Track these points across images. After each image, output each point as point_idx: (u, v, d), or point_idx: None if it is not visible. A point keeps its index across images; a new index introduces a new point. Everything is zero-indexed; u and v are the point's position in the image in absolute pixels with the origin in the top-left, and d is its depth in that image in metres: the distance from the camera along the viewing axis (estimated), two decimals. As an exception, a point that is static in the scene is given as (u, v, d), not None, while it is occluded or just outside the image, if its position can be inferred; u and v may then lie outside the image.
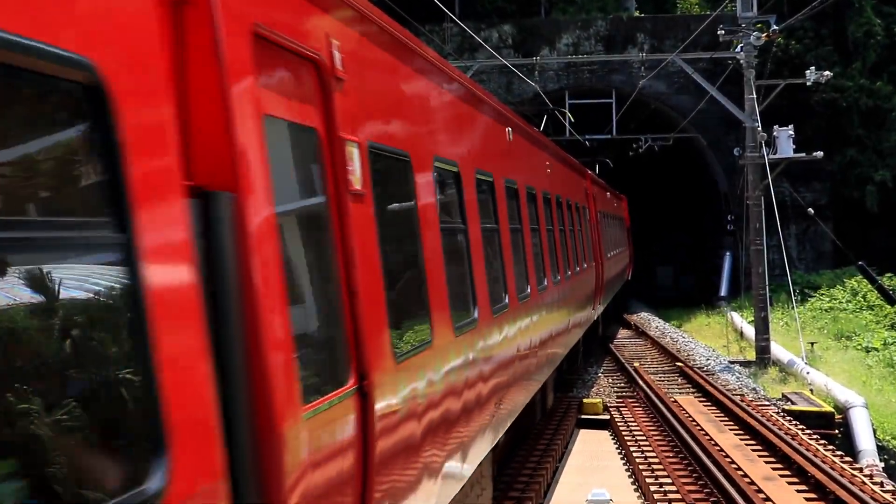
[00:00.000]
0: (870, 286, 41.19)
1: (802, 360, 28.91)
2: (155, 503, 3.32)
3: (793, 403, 23.84)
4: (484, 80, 46.21)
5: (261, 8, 4.81)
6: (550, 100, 38.11)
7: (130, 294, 3.43)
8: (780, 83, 34.54)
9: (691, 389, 26.76)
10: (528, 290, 13.53)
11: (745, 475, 16.83)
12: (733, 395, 24.67)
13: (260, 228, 4.44)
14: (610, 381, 28.60)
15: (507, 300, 11.58)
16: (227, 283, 4.13)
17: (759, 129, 31.31)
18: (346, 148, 5.82)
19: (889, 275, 41.81)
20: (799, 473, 17.01)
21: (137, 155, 3.49)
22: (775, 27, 31.22)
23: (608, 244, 33.81)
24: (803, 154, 33.08)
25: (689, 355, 33.29)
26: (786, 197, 43.16)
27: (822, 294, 43.17)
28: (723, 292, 48.93)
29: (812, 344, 31.96)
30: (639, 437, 20.48)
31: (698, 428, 20.67)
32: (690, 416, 22.02)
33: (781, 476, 16.99)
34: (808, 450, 18.23)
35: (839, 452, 18.88)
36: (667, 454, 18.97)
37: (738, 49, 32.24)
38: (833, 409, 23.07)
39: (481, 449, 10.04)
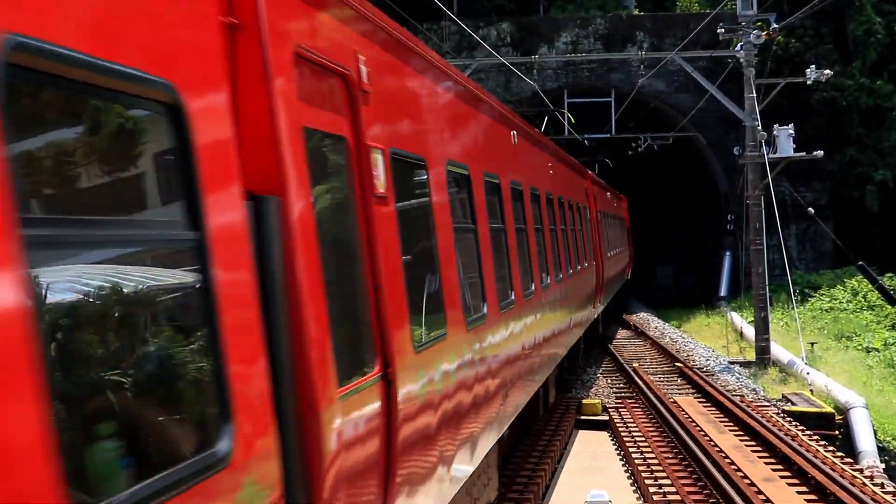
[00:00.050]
0: (870, 286, 41.22)
1: (802, 360, 28.91)
2: (224, 462, 3.97)
3: (793, 404, 23.85)
4: (482, 78, 46.21)
5: (301, 30, 5.38)
6: (549, 98, 38.12)
7: (204, 284, 4.01)
8: (780, 82, 34.54)
9: (691, 390, 26.77)
10: (533, 288, 14.10)
11: (745, 476, 16.84)
12: (733, 395, 24.67)
13: (302, 229, 5.01)
14: (609, 381, 28.61)
15: (513, 297, 12.12)
16: (275, 276, 4.69)
17: (759, 128, 31.32)
18: (372, 154, 6.43)
19: (889, 275, 41.83)
20: (799, 475, 17.02)
21: (207, 163, 4.08)
22: (775, 25, 31.24)
23: (608, 244, 34.11)
24: (803, 153, 33.08)
25: (688, 356, 33.30)
26: (786, 196, 43.17)
27: (823, 294, 43.18)
28: (723, 292, 48.94)
29: (812, 344, 31.97)
30: (638, 438, 20.49)
31: (698, 429, 20.68)
32: (690, 417, 22.03)
33: (781, 477, 17.00)
34: (808, 451, 18.24)
35: (839, 453, 18.89)
36: (666, 455, 18.98)
37: (738, 47, 32.25)
38: (833, 410, 23.07)
39: (489, 440, 10.52)
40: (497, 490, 13.19)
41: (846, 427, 22.38)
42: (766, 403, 24.35)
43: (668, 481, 17.01)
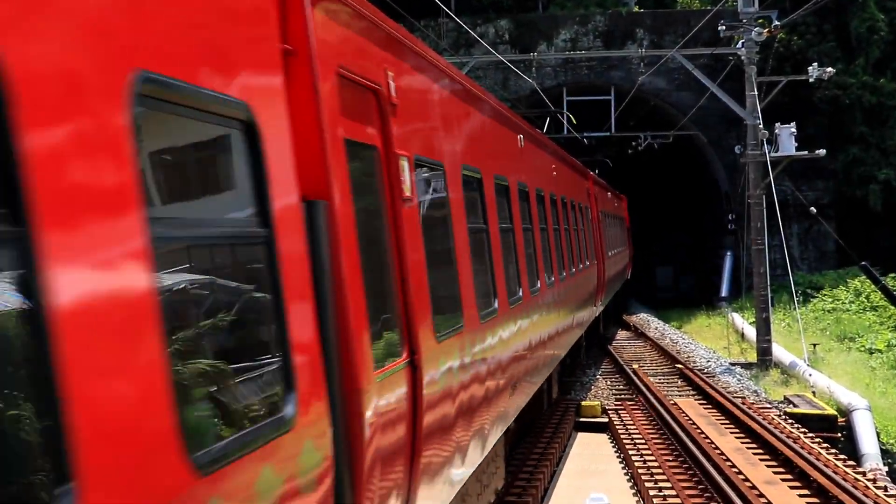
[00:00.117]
0: (873, 287, 41.20)
1: (804, 361, 28.92)
2: (289, 426, 4.74)
3: (795, 406, 23.86)
4: (480, 76, 46.21)
5: (342, 52, 6.18)
6: (548, 97, 38.14)
7: (272, 274, 4.78)
8: (782, 80, 34.56)
9: (691, 392, 26.77)
10: (538, 285, 14.87)
11: (746, 479, 16.84)
12: (734, 397, 24.67)
13: (345, 229, 5.79)
14: (608, 383, 28.61)
15: (520, 293, 12.92)
16: (323, 270, 5.43)
17: (761, 126, 31.31)
18: (399, 161, 7.23)
19: (893, 275, 41.82)
20: (801, 477, 17.02)
21: (274, 172, 4.85)
22: (777, 23, 31.25)
23: (609, 243, 34.48)
24: (805, 152, 33.10)
25: (689, 357, 33.30)
26: (788, 196, 43.15)
27: (825, 295, 43.18)
28: (723, 293, 48.93)
29: (814, 345, 31.98)
30: (638, 441, 20.49)
31: (698, 431, 20.68)
32: (690, 419, 22.03)
33: (783, 480, 17.00)
34: (810, 453, 18.23)
35: (842, 456, 18.89)
36: (666, 458, 18.97)
37: (740, 45, 32.24)
38: (836, 412, 23.08)
39: (498, 429, 11.38)
40: (504, 479, 13.91)
41: (849, 429, 22.38)
42: (768, 405, 24.35)
43: (668, 484, 17.00)
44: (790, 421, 21.88)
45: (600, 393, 26.86)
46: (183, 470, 3.71)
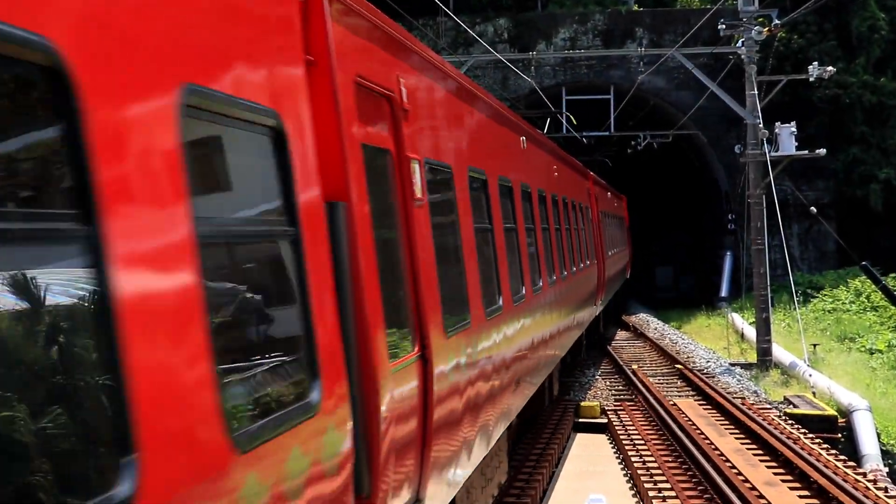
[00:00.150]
0: (874, 287, 41.21)
1: (805, 362, 28.92)
2: (315, 410, 5.13)
3: (795, 407, 23.87)
4: (479, 75, 46.22)
5: (359, 62, 6.61)
6: (547, 96, 38.13)
7: (299, 269, 5.21)
8: (783, 79, 34.56)
9: (691, 392, 26.78)
10: (541, 284, 15.35)
11: (746, 480, 16.85)
12: (734, 398, 24.68)
13: (362, 229, 6.23)
14: (608, 383, 28.61)
15: (523, 291, 13.38)
16: (343, 266, 5.88)
17: (761, 125, 31.32)
18: (411, 164, 7.67)
19: (894, 275, 41.81)
20: (801, 478, 17.03)
21: (300, 176, 5.27)
22: (777, 21, 31.25)
23: (609, 243, 34.80)
24: (806, 151, 33.10)
25: (688, 357, 33.31)
26: (788, 195, 43.18)
27: (825, 295, 43.19)
28: (723, 293, 48.94)
29: (815, 346, 31.98)
30: (637, 442, 20.49)
31: (698, 432, 20.69)
32: (690, 420, 22.04)
33: (783, 481, 17.01)
34: (810, 454, 18.24)
35: (842, 457, 18.89)
36: (666, 459, 18.98)
37: (740, 44, 32.23)
38: (836, 413, 23.09)
39: (503, 423, 11.79)
40: (507, 474, 14.34)
41: (849, 430, 22.39)
42: (768, 406, 24.36)
43: (667, 485, 17.01)
44: (790, 422, 21.89)
45: (599, 394, 26.87)
46: (225, 447, 4.11)
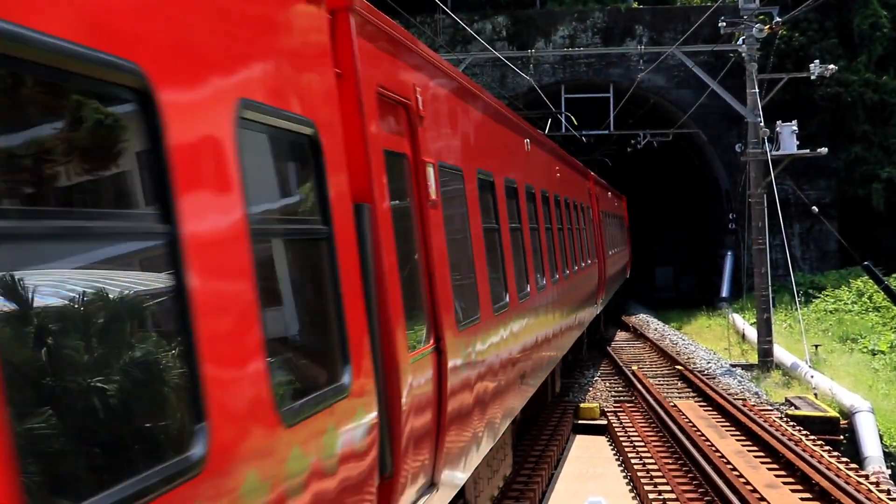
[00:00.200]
0: (876, 287, 41.20)
1: (806, 363, 28.92)
2: (346, 392, 5.68)
3: (796, 408, 23.85)
4: (477, 73, 46.21)
5: (381, 73, 7.27)
6: (546, 94, 38.13)
7: (332, 264, 5.80)
8: (784, 77, 34.55)
9: (691, 393, 26.77)
10: (544, 283, 15.97)
11: (747, 482, 16.83)
12: (735, 399, 24.67)
13: (384, 229, 6.86)
14: (607, 385, 28.61)
15: (528, 289, 14.03)
16: (368, 263, 6.46)
17: (762, 124, 31.31)
18: (426, 168, 8.32)
19: (896, 275, 41.85)
20: (803, 480, 17.01)
21: (333, 180, 5.86)
22: (778, 19, 31.23)
23: (610, 243, 35.21)
24: (807, 150, 33.08)
25: (689, 358, 33.31)
26: (789, 195, 43.18)
27: (827, 295, 43.20)
28: (724, 293, 48.95)
29: (816, 346, 31.98)
30: (637, 443, 20.48)
31: (698, 433, 20.67)
32: (690, 422, 22.03)
33: (784, 483, 16.99)
34: (812, 456, 18.23)
35: (844, 459, 18.89)
36: (666, 461, 18.97)
37: (740, 42, 32.22)
38: (838, 414, 23.08)
39: (508, 416, 12.44)
40: (511, 466, 14.95)
41: (851, 432, 22.38)
42: (769, 407, 24.36)
43: (667, 487, 16.99)
44: (792, 423, 21.87)
45: (599, 395, 26.85)
46: (275, 421, 4.71)
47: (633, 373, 29.03)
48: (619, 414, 23.69)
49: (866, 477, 17.54)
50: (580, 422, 22.84)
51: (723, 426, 21.93)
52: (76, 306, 3.53)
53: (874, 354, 34.56)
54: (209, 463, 4.00)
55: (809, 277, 45.38)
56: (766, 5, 32.35)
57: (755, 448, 19.69)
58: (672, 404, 24.14)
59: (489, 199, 11.76)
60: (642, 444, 20.42)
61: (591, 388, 27.80)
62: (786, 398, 25.62)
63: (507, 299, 12.01)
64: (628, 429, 21.97)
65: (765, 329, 31.25)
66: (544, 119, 36.21)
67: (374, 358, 6.36)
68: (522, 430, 19.39)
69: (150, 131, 3.89)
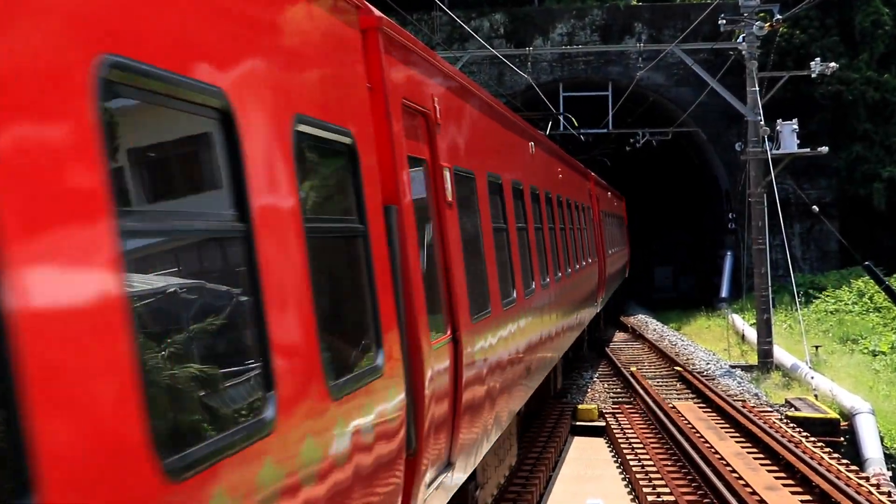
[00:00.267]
0: (877, 287, 41.24)
1: (806, 364, 28.96)
2: (380, 373, 6.46)
3: (796, 409, 23.89)
4: (474, 71, 46.22)
5: (405, 87, 8.07)
6: (544, 92, 38.15)
7: (367, 258, 6.61)
8: (784, 75, 34.59)
9: (690, 395, 26.81)
10: (548, 280, 16.77)
11: (747, 484, 16.87)
12: (734, 400, 24.72)
13: (409, 229, 7.63)
14: (606, 386, 28.64)
15: (533, 286, 14.82)
16: (395, 259, 7.21)
17: (762, 123, 31.34)
18: (443, 172, 9.15)
19: (897, 275, 41.88)
20: (803, 482, 17.05)
21: (367, 184, 6.65)
22: (779, 16, 31.25)
23: (610, 242, 35.72)
24: (808, 149, 33.11)
25: (688, 359, 33.35)
26: (789, 194, 43.22)
27: (828, 295, 43.24)
28: (724, 293, 48.97)
29: (816, 347, 32.02)
30: (636, 445, 20.51)
31: (698, 435, 20.71)
32: (689, 423, 22.06)
33: (784, 485, 17.03)
34: (812, 458, 18.27)
35: (845, 461, 18.92)
36: (665, 462, 19.00)
37: (740, 39, 32.27)
38: (838, 416, 23.12)
39: (515, 406, 13.31)
40: (516, 457, 15.74)
41: (852, 433, 22.42)
42: (769, 409, 24.40)
43: (666, 490, 17.02)
44: (792, 425, 21.91)
45: (597, 396, 26.89)
46: (326, 394, 5.43)
47: (632, 374, 29.06)
48: (617, 415, 23.73)
49: (867, 479, 17.57)
50: (578, 423, 22.86)
51: (722, 428, 21.96)
52: (192, 294, 4.48)
53: (875, 355, 34.60)
54: (278, 425, 4.69)
55: (810, 278, 45.42)
56: (766, 3, 32.38)
57: (755, 450, 19.73)
58: (671, 406, 24.18)
59: (498, 200, 12.53)
60: (641, 445, 20.46)
61: (589, 390, 27.83)
62: (786, 399, 25.66)
63: (515, 295, 12.78)
64: (627, 430, 22.00)
65: (765, 330, 31.30)
66: (544, 119, 36.24)
67: (402, 344, 7.12)
68: (525, 424, 19.48)
69: (230, 145, 4.60)
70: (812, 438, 20.62)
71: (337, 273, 6.50)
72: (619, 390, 27.93)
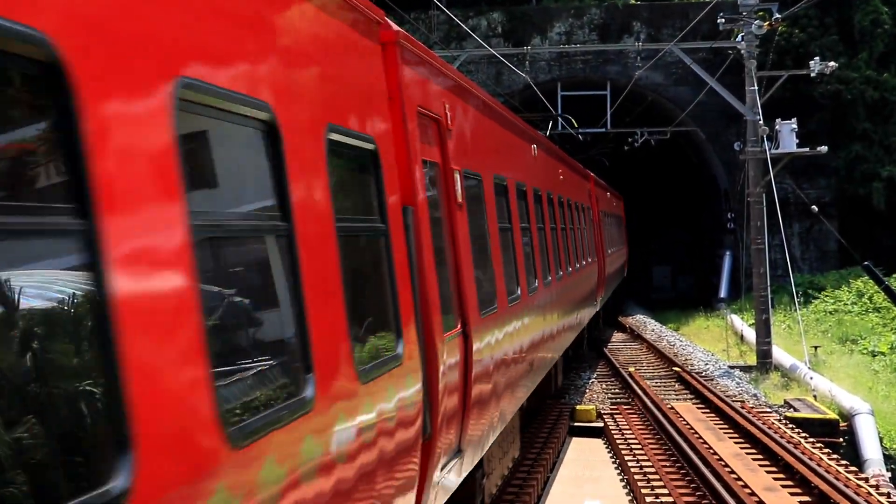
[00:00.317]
0: (876, 287, 41.25)
1: (805, 364, 28.97)
2: (400, 361, 7.10)
3: (795, 410, 23.89)
4: (472, 70, 46.21)
5: (420, 95, 8.72)
6: (542, 91, 38.15)
7: (388, 255, 7.26)
8: (783, 74, 34.62)
9: (689, 395, 26.81)
10: (549, 278, 17.41)
11: (746, 485, 16.87)
12: (733, 401, 24.71)
13: (424, 228, 8.27)
14: (604, 386, 28.64)
15: (536, 284, 15.43)
16: (412, 256, 7.79)
17: (761, 122, 31.35)
18: (454, 174, 9.78)
19: (896, 275, 41.90)
20: (802, 483, 17.05)
21: (388, 187, 7.32)
22: (778, 15, 31.26)
23: (609, 242, 36.18)
24: (807, 149, 33.14)
25: (686, 360, 33.35)
26: (788, 194, 43.25)
27: (827, 295, 43.26)
28: (722, 294, 48.99)
29: (816, 348, 32.04)
30: (634, 446, 20.51)
31: (696, 436, 20.71)
32: (688, 424, 22.06)
33: (783, 486, 17.03)
34: (811, 459, 18.27)
35: (844, 462, 18.92)
36: (663, 463, 19.00)
37: (739, 38, 32.28)
38: (837, 417, 23.12)
39: (519, 399, 13.91)
40: (519, 450, 16.36)
41: (851, 434, 22.42)
42: (768, 409, 24.40)
43: (665, 491, 17.02)
44: (791, 425, 21.92)
45: (595, 397, 26.89)
46: (355, 377, 6.07)
47: (630, 374, 29.06)
48: (615, 416, 23.72)
49: (866, 480, 17.57)
50: (576, 424, 22.86)
51: (721, 428, 21.96)
52: (247, 288, 5.15)
53: (874, 356, 34.62)
54: (316, 403, 5.28)
55: (809, 278, 45.44)
56: (765, 1, 32.41)
57: (754, 451, 19.72)
58: (669, 406, 24.17)
59: (503, 201, 13.20)
60: (639, 446, 20.45)
61: (587, 390, 27.83)
62: (785, 400, 25.67)
63: (519, 292, 13.47)
64: (625, 431, 22.00)
65: (763, 330, 31.31)
66: (544, 120, 36.26)
67: (419, 335, 7.72)
68: (527, 421, 19.52)
69: (275, 152, 5.19)
70: (811, 439, 20.62)
71: (362, 267, 7.05)
72: (617, 391, 27.93)
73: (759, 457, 19.21)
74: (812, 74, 33.86)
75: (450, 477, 8.98)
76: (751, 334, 34.50)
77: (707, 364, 32.37)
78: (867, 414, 22.85)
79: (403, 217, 7.71)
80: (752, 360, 32.26)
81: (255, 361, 5.03)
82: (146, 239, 3.88)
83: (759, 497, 16.19)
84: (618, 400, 26.46)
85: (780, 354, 31.27)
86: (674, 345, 37.88)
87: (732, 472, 17.81)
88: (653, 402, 24.30)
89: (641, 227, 62.43)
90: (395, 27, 8.07)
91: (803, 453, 18.71)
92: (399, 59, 8.03)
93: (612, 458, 20.34)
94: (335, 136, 6.16)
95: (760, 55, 34.71)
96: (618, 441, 20.96)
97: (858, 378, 29.53)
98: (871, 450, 21.24)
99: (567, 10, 50.13)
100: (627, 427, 22.43)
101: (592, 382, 29.18)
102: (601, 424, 22.78)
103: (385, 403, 6.70)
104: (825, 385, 26.15)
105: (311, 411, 5.22)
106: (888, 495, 16.55)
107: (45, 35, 3.29)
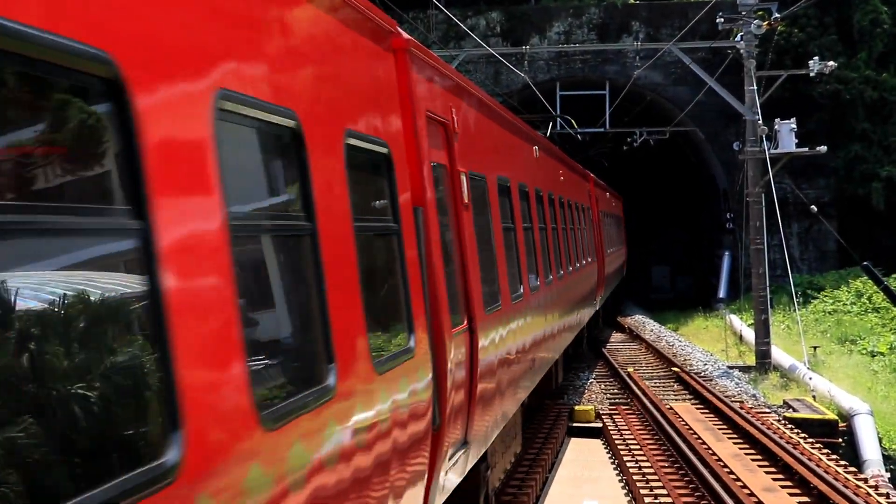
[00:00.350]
0: (875, 288, 41.27)
1: (805, 365, 28.98)
2: (412, 354, 7.50)
3: (794, 411, 23.91)
4: (470, 70, 46.22)
5: (428, 100, 9.09)
6: (541, 91, 38.19)
7: (400, 253, 7.67)
8: (782, 74, 34.63)
9: (688, 396, 26.82)
10: (551, 277, 17.91)
11: (745, 486, 16.88)
12: (732, 401, 24.72)
13: (433, 228, 8.65)
14: (603, 387, 28.64)
15: (538, 283, 15.90)
16: (422, 254, 8.16)
17: (760, 122, 31.37)
18: (460, 176, 10.18)
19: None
20: (801, 484, 17.06)
21: (400, 188, 7.73)
22: (777, 15, 31.27)
23: (608, 242, 36.41)
24: (806, 149, 33.14)
25: (685, 360, 33.36)
26: (788, 194, 43.26)
27: (826, 296, 43.28)
28: (721, 294, 49.00)
29: (815, 348, 32.04)
30: (633, 446, 20.51)
31: (695, 436, 20.71)
32: (687, 424, 22.07)
33: (782, 487, 17.05)
34: (810, 459, 18.28)
35: (843, 462, 18.93)
36: (662, 464, 19.01)
37: (738, 38, 32.29)
38: (837, 417, 23.13)
39: (521, 395, 14.36)
40: (521, 445, 16.71)
41: (850, 434, 22.44)
42: (767, 410, 24.41)
43: (663, 491, 17.03)
44: (790, 426, 21.93)
45: (594, 397, 26.89)
46: (371, 371, 6.47)
47: (629, 375, 29.07)
48: (614, 416, 23.72)
49: (865, 480, 17.58)
50: (575, 424, 22.86)
51: (720, 429, 21.97)
52: (278, 283, 5.61)
53: (873, 356, 34.64)
54: (337, 391, 5.68)
55: (808, 278, 45.46)
56: (764, 1, 32.42)
57: (753, 451, 19.73)
58: (668, 407, 24.18)
59: (506, 202, 13.62)
60: (638, 447, 20.46)
61: (586, 391, 27.84)
62: (784, 400, 25.68)
63: (522, 290, 13.89)
64: (624, 432, 22.00)
65: (762, 330, 31.32)
66: (543, 120, 36.26)
67: (429, 330, 8.12)
68: (528, 418, 19.56)
69: (300, 156, 5.60)
70: (810, 440, 20.62)
71: (377, 264, 7.46)
72: (616, 391, 27.94)
73: (758, 457, 19.22)
74: (811, 74, 33.86)
75: (457, 468, 9.34)
76: (750, 334, 34.51)
77: (706, 364, 32.38)
78: (866, 414, 22.87)
79: (414, 217, 8.09)
80: (751, 360, 32.27)
81: (284, 351, 5.60)
82: (193, 238, 4.28)
83: (757, 497, 16.20)
84: (617, 400, 26.47)
85: (779, 355, 31.28)
86: (672, 345, 37.88)
87: (731, 472, 17.81)
88: (651, 402, 24.31)
89: (640, 227, 62.44)
90: (406, 35, 8.39)
91: (802, 454, 18.72)
92: (410, 65, 8.39)
93: (610, 458, 20.34)
94: (353, 141, 6.52)
95: (759, 55, 34.73)
96: (616, 441, 20.96)
97: (857, 378, 29.55)
98: (870, 450, 21.25)
99: (566, 10, 50.14)
100: (626, 427, 22.44)
101: (591, 383, 29.19)
102: (600, 425, 22.79)
103: (399, 394, 7.09)
104: (824, 385, 26.16)
105: (333, 398, 5.62)
106: (887, 496, 16.56)
107: (109, 55, 3.70)
